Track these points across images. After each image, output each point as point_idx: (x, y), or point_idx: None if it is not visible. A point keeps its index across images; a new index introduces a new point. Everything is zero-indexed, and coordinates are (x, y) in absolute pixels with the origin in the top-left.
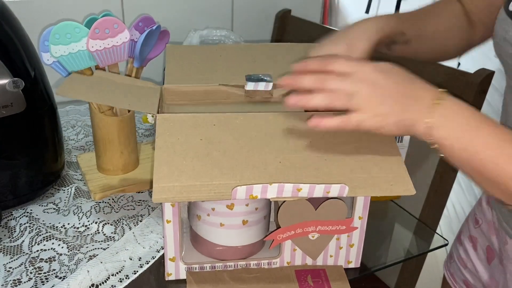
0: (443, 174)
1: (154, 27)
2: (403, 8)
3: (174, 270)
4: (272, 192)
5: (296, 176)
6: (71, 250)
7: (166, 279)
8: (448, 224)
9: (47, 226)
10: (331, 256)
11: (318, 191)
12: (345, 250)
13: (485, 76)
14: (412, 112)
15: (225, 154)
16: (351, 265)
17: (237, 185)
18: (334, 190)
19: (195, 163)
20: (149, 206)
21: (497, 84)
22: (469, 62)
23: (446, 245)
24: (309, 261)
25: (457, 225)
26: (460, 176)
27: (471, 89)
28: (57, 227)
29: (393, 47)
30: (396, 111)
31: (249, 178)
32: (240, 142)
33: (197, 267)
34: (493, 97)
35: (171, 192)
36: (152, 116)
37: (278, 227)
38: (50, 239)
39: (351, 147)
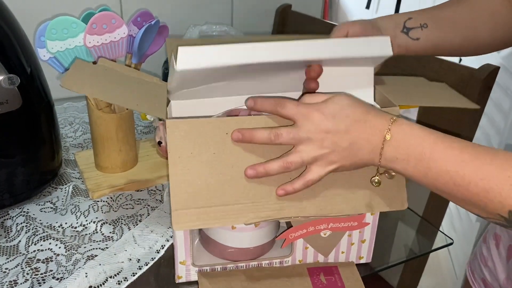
0: None
1: (152, 22)
2: (404, 3)
3: (185, 273)
4: (283, 220)
5: (305, 195)
6: (68, 251)
7: (177, 282)
8: (450, 223)
9: (44, 226)
10: (342, 252)
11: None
12: (357, 246)
13: (490, 72)
14: (363, 156)
15: (238, 171)
16: (363, 261)
17: (252, 210)
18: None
19: (209, 182)
20: (148, 205)
21: (501, 81)
22: (471, 58)
23: (451, 244)
24: (320, 258)
25: (459, 224)
26: None
27: (475, 85)
28: (54, 226)
29: (412, 34)
30: (347, 158)
31: (261, 198)
32: (253, 156)
33: (208, 269)
34: (496, 94)
35: (189, 217)
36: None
37: (289, 225)
38: (47, 239)
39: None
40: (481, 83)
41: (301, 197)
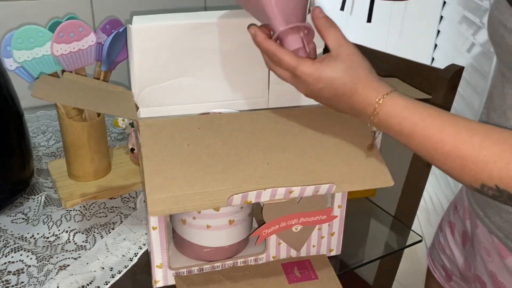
0: (417, 169)
1: (121, 30)
2: (377, 6)
3: (162, 277)
4: (265, 196)
5: (285, 176)
6: (40, 261)
7: (154, 287)
8: (426, 216)
9: (16, 237)
10: (313, 246)
11: (309, 191)
12: (327, 239)
13: (455, 72)
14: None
15: (214, 158)
16: (333, 253)
17: (233, 193)
18: (323, 189)
19: (186, 170)
20: (122, 213)
21: (471, 80)
22: (443, 57)
23: (420, 241)
24: (293, 253)
25: (435, 217)
26: (435, 168)
27: (442, 85)
28: (26, 237)
29: None
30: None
31: (241, 182)
32: (227, 144)
33: (184, 271)
34: (467, 93)
35: (166, 204)
36: (123, 121)
37: (261, 221)
38: (18, 251)
39: (332, 142)
40: (447, 83)
41: (280, 176)
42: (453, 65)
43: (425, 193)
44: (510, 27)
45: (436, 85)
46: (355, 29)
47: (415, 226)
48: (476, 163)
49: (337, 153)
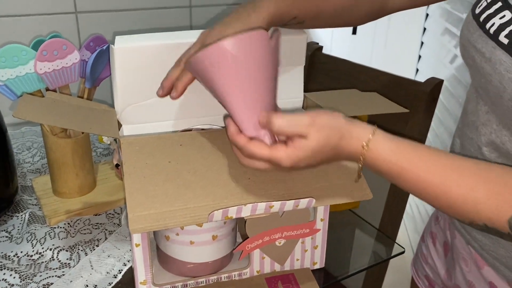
0: None
1: (104, 47)
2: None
3: None
4: (246, 211)
5: (266, 191)
6: (23, 280)
7: None
8: (414, 225)
9: None
10: (297, 259)
11: (289, 206)
12: (310, 252)
13: (435, 85)
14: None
15: (195, 174)
16: (317, 266)
17: (213, 209)
18: (303, 204)
19: (167, 187)
20: (106, 229)
21: (454, 91)
22: (427, 68)
23: (403, 252)
24: (277, 267)
25: (422, 226)
26: None
27: (422, 98)
28: (9, 256)
29: (284, 27)
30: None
31: (222, 198)
32: (208, 160)
33: (169, 287)
34: (450, 103)
35: (147, 221)
36: (108, 137)
37: (245, 236)
38: (1, 270)
39: None
40: (427, 95)
41: (261, 192)
42: (433, 78)
43: (411, 202)
44: (479, 48)
45: (417, 98)
46: (340, 41)
47: (402, 234)
48: (466, 203)
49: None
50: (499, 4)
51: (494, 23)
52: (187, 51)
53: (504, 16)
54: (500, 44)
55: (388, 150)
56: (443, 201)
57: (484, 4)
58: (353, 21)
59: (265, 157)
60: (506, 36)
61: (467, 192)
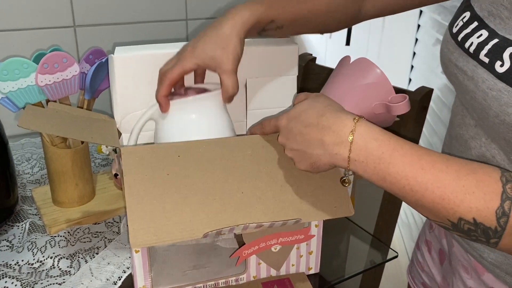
0: None
1: (103, 60)
2: (355, 28)
3: None
4: (238, 230)
5: (257, 206)
6: None
7: None
8: (409, 232)
9: (0, 265)
10: (293, 265)
11: (277, 225)
12: (305, 258)
13: (425, 94)
14: (319, 157)
15: (192, 188)
16: (312, 271)
17: (208, 224)
18: (291, 223)
19: (165, 201)
20: (106, 237)
21: (445, 98)
22: (419, 77)
23: (396, 257)
24: (273, 273)
25: (417, 234)
26: None
27: (412, 106)
28: (10, 264)
29: (264, 33)
30: (303, 157)
31: (216, 212)
32: (205, 173)
33: None
34: (442, 112)
35: (147, 235)
36: (107, 147)
37: (242, 242)
38: (2, 278)
39: (299, 171)
40: (417, 104)
41: (252, 207)
42: (423, 87)
43: (406, 210)
44: (461, 66)
45: None
46: (334, 52)
47: (398, 242)
48: (455, 194)
49: (304, 181)
50: (475, 23)
51: (472, 42)
52: (166, 64)
53: (481, 35)
54: (481, 63)
55: (378, 129)
56: (433, 192)
57: (461, 24)
58: (329, 27)
59: (272, 123)
60: (485, 55)
61: (456, 180)
